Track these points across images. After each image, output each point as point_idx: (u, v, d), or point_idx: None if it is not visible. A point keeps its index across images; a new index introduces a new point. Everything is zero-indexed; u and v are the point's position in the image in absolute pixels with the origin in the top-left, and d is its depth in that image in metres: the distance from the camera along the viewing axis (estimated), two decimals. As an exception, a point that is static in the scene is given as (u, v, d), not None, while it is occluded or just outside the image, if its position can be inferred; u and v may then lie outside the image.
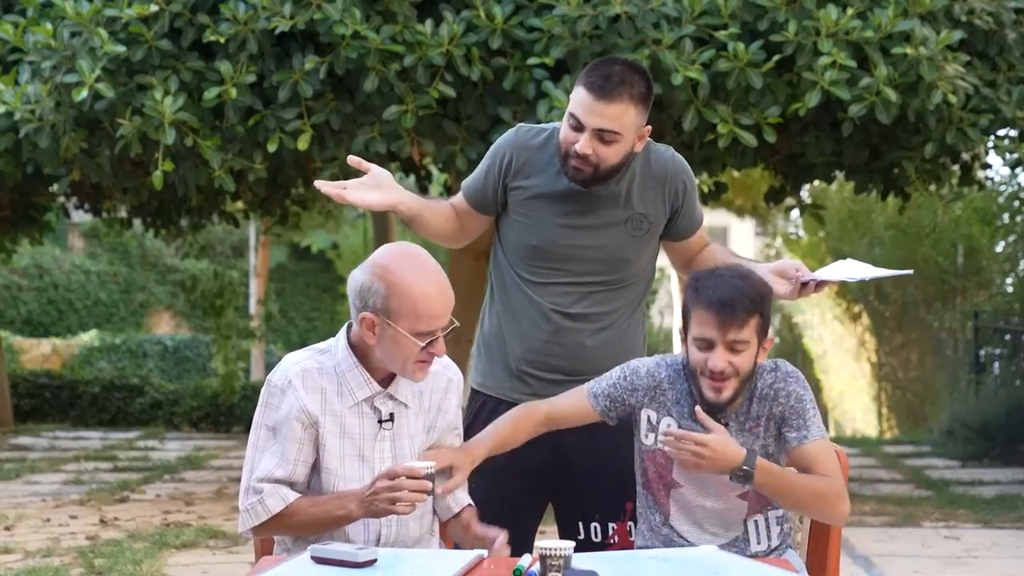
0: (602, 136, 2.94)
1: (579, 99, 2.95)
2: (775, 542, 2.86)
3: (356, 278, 2.65)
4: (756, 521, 2.84)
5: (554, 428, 2.94)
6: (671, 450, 2.70)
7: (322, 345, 2.75)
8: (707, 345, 2.71)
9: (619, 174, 3.04)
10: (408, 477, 2.49)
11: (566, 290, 3.07)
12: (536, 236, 3.08)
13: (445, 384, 2.80)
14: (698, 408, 2.74)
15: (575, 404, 2.91)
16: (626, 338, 3.16)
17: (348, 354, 2.68)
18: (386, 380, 2.71)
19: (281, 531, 2.69)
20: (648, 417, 2.86)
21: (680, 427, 2.79)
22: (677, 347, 15.97)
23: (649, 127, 3.04)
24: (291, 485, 2.65)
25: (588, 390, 2.91)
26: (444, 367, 2.80)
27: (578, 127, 2.95)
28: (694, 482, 2.81)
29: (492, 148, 3.19)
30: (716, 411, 2.75)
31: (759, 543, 2.84)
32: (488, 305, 3.23)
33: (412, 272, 2.60)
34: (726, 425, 2.77)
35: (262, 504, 2.62)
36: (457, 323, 2.65)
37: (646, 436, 2.87)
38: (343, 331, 2.72)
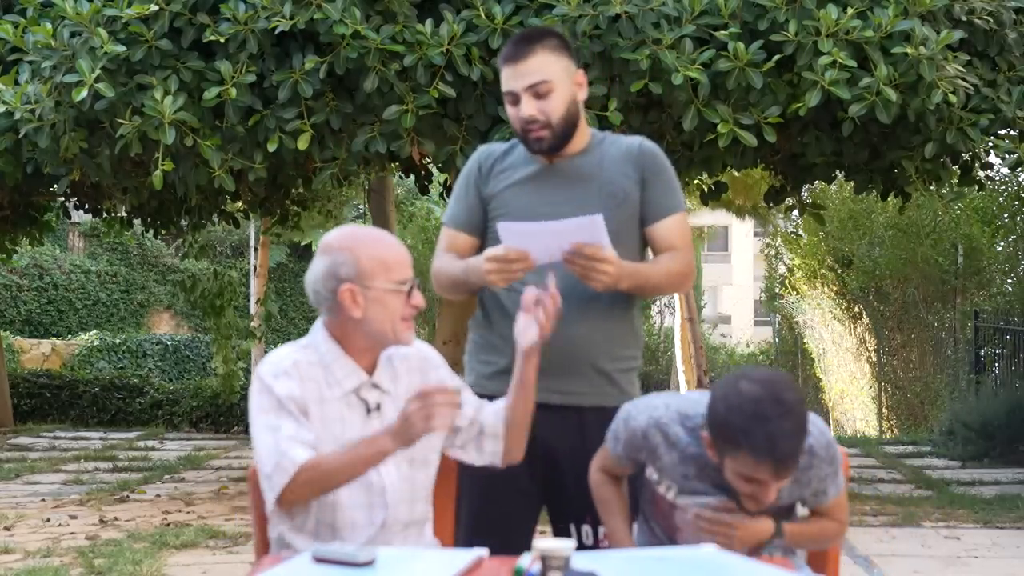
0: (536, 91, 3.03)
1: (504, 76, 3.07)
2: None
3: (315, 269, 2.70)
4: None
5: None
6: (703, 524, 2.69)
7: (302, 342, 2.76)
8: (752, 482, 2.58)
9: (582, 140, 3.12)
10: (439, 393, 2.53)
11: (549, 269, 3.07)
12: (516, 219, 3.07)
13: (419, 364, 2.83)
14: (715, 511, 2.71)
15: (615, 464, 2.90)
16: (621, 327, 3.14)
17: (331, 345, 2.71)
18: (372, 371, 2.73)
19: (308, 489, 2.59)
20: (649, 472, 2.85)
21: (681, 491, 2.76)
22: (678, 346, 15.98)
23: (582, 71, 3.13)
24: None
25: (611, 450, 2.89)
26: (415, 349, 2.83)
27: (515, 99, 3.06)
28: (696, 536, 2.78)
29: (462, 172, 3.27)
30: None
31: None
32: (478, 315, 3.25)
33: (363, 234, 2.72)
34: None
35: (286, 457, 2.57)
36: (418, 280, 2.71)
37: (652, 482, 2.85)
38: (318, 326, 2.74)
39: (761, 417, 2.50)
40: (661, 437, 2.74)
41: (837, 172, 8.09)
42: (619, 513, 2.90)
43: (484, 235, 3.19)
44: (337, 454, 2.59)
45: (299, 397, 2.65)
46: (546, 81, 3.02)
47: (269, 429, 2.62)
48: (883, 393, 16.50)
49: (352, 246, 2.67)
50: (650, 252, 3.22)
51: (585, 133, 3.16)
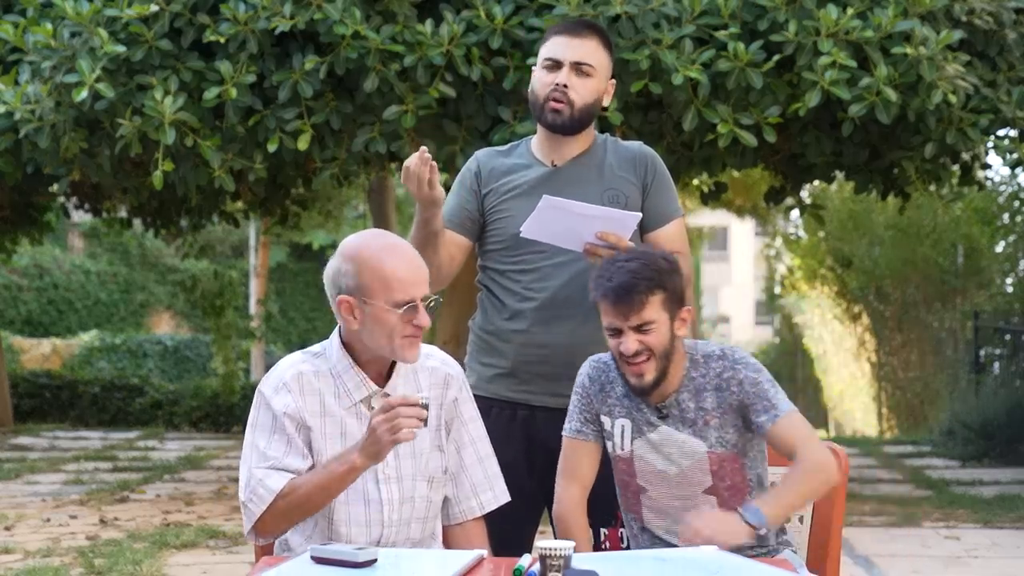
0: (579, 68, 3.12)
1: (554, 42, 3.15)
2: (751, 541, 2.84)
3: (327, 269, 2.67)
4: None
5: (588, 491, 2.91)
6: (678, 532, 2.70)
7: (315, 348, 2.74)
8: (615, 332, 2.73)
9: (587, 141, 3.17)
10: (404, 406, 2.48)
11: (551, 272, 3.09)
12: (518, 225, 3.09)
13: (443, 379, 2.76)
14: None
15: (581, 456, 2.87)
16: None
17: (343, 355, 2.67)
18: (382, 380, 2.70)
19: (286, 517, 2.61)
20: (604, 423, 2.87)
21: (633, 422, 2.80)
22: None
23: (614, 81, 3.23)
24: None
25: (570, 433, 2.88)
26: (442, 362, 2.78)
27: (555, 66, 3.12)
28: (659, 484, 2.82)
29: (458, 175, 3.27)
30: (645, 394, 2.76)
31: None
32: (478, 316, 3.26)
33: (377, 247, 2.63)
34: (667, 416, 2.78)
35: (262, 485, 2.58)
36: (440, 298, 2.66)
37: (608, 442, 2.88)
38: (335, 333, 2.71)
39: (613, 262, 2.77)
40: (603, 373, 2.86)
41: (837, 172, 8.09)
42: (585, 548, 2.86)
43: (471, 233, 3.21)
44: (311, 475, 2.58)
45: (295, 412, 2.63)
46: (592, 66, 3.12)
47: (254, 449, 2.63)
48: (883, 393, 16.50)
49: (358, 257, 2.61)
50: None
51: (590, 134, 3.21)
